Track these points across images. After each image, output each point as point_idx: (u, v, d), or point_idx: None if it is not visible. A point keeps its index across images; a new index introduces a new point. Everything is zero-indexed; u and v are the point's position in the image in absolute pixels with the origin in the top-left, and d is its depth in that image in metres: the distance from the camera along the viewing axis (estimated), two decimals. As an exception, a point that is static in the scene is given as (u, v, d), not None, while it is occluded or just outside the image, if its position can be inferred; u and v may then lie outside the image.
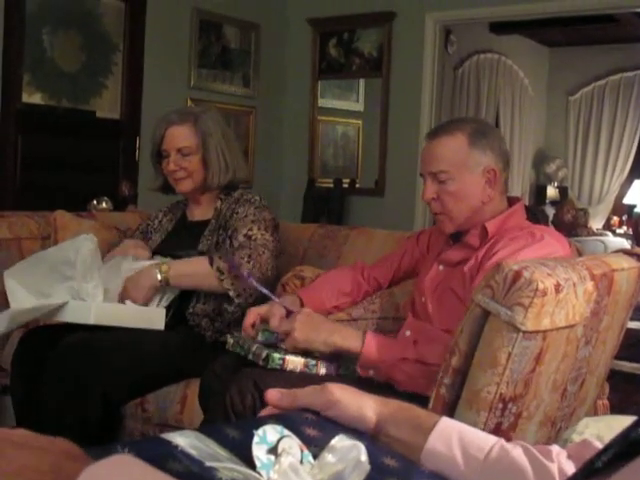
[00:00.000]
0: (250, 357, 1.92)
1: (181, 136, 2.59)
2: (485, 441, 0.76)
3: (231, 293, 2.40)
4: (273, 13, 5.85)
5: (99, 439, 2.22)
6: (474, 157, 1.96)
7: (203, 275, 2.42)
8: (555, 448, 0.76)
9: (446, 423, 0.78)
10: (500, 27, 7.34)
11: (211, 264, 2.41)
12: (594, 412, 2.05)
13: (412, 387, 1.78)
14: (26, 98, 4.51)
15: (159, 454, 0.58)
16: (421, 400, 1.60)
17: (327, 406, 0.76)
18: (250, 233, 2.48)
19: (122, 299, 2.44)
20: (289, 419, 0.68)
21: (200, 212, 2.68)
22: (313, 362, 1.90)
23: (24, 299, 2.34)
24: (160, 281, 2.42)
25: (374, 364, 1.84)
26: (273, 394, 0.77)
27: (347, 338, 1.87)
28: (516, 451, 0.74)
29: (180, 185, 2.61)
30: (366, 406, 0.78)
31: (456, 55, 7.16)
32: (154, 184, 2.75)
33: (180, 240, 2.64)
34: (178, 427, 2.32)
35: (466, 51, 7.44)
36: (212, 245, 2.54)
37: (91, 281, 2.33)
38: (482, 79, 7.75)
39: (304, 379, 1.81)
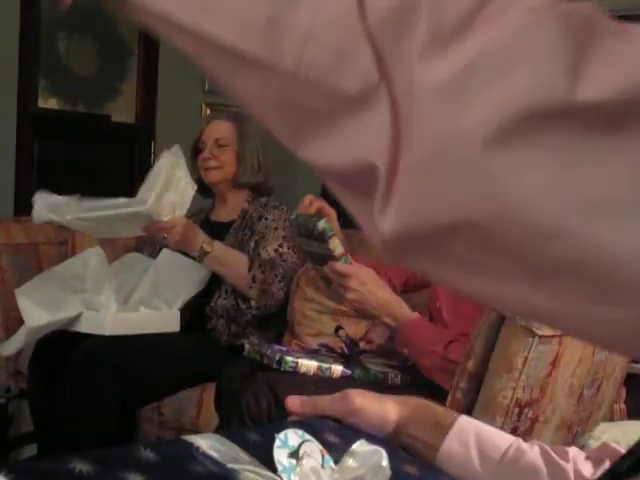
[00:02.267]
0: (265, 361, 1.93)
1: (220, 128, 2.66)
2: (502, 441, 0.76)
3: (253, 303, 2.43)
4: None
5: (115, 443, 2.24)
6: None
7: (237, 273, 2.45)
8: (573, 450, 0.76)
9: (464, 423, 0.78)
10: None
11: (250, 269, 2.43)
12: (611, 416, 2.04)
13: (433, 377, 1.81)
14: (42, 103, 4.54)
15: (180, 455, 0.59)
16: (441, 395, 1.61)
17: (349, 414, 0.76)
18: (282, 250, 2.50)
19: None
20: (310, 424, 0.68)
21: (225, 213, 2.70)
22: (326, 365, 1.90)
23: (38, 316, 2.36)
24: (198, 257, 2.45)
25: (409, 343, 1.89)
26: (293, 401, 0.78)
27: (401, 308, 1.89)
28: (533, 452, 0.74)
29: (210, 174, 2.65)
30: (387, 409, 0.78)
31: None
32: None
33: None
34: (194, 431, 2.33)
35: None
36: (235, 243, 2.57)
37: (103, 292, 2.35)
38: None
39: (319, 382, 1.82)
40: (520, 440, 0.77)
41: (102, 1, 0.47)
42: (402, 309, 1.89)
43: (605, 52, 0.35)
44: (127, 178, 4.90)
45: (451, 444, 0.76)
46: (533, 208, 0.34)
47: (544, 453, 0.74)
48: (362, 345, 2.13)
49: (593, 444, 1.28)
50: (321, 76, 0.38)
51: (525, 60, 0.35)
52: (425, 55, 0.36)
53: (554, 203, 0.34)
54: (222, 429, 1.95)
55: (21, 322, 2.43)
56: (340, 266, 1.88)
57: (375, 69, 0.37)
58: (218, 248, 2.47)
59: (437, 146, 0.36)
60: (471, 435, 0.76)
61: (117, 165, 4.91)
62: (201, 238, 2.45)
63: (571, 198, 0.34)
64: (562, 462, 0.73)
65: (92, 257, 2.38)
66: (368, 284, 1.88)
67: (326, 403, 0.77)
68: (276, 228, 2.54)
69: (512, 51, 0.35)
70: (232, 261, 2.48)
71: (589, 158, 0.33)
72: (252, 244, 2.54)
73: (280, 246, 2.50)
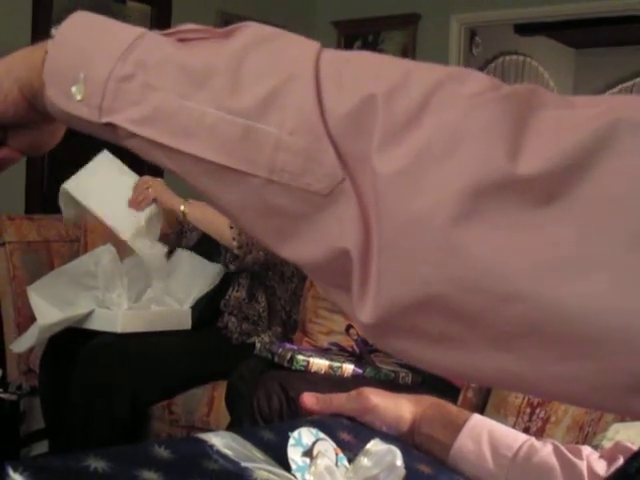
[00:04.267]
0: (276, 359, 1.93)
1: None
2: (515, 439, 0.76)
3: (234, 242, 2.41)
4: (298, 16, 5.86)
5: (126, 440, 2.24)
6: None
7: (219, 216, 2.42)
8: (586, 448, 0.76)
9: (477, 421, 0.78)
10: (525, 28, 7.29)
11: None
12: (622, 417, 2.04)
13: (447, 376, 1.82)
14: (53, 101, 4.56)
15: (195, 453, 0.59)
16: (452, 394, 1.61)
17: (364, 412, 0.76)
18: None
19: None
20: (324, 423, 0.68)
21: None
22: (337, 364, 1.90)
23: (50, 313, 2.36)
24: (182, 211, 2.45)
25: None
26: (309, 398, 0.78)
27: None
28: (546, 449, 0.74)
29: None
30: (402, 407, 0.78)
31: (481, 57, 7.12)
32: None
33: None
34: (205, 429, 2.33)
35: (491, 53, 7.40)
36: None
37: (114, 290, 2.36)
38: (507, 81, 7.62)
39: (330, 380, 1.82)
40: (533, 438, 0.76)
41: (98, 134, 0.52)
42: None
43: (542, 126, 0.38)
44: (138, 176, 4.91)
45: (464, 442, 0.76)
46: (492, 275, 0.37)
47: (557, 451, 0.74)
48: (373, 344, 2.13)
49: (607, 444, 1.27)
50: (292, 179, 0.43)
51: (470, 141, 0.39)
52: (382, 148, 0.40)
53: (510, 269, 0.37)
54: (233, 427, 1.96)
55: (33, 319, 2.44)
56: None
57: (339, 167, 0.41)
58: (195, 205, 2.48)
59: (402, 228, 0.40)
60: (484, 433, 0.76)
61: (127, 163, 4.91)
62: (179, 202, 2.47)
63: (524, 263, 0.36)
64: (576, 460, 0.73)
65: (104, 255, 2.38)
66: None
67: (341, 401, 0.77)
68: None
69: (458, 134, 0.39)
70: (213, 211, 2.48)
71: (535, 225, 0.37)
72: None
73: None
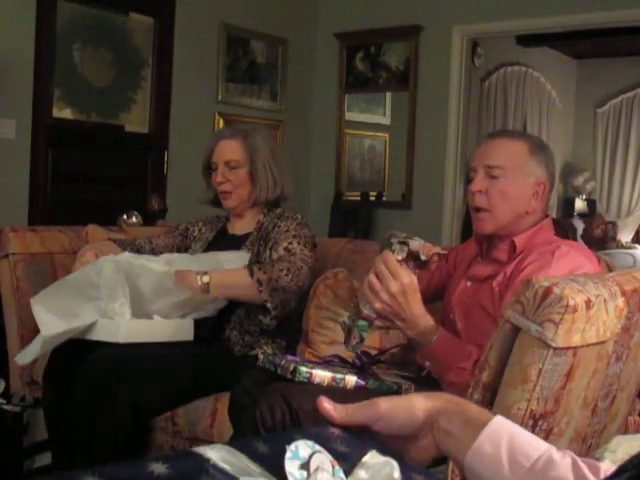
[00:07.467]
0: (279, 371, 1.93)
1: (229, 149, 2.65)
2: (535, 449, 0.75)
3: (268, 305, 2.41)
4: (300, 27, 5.88)
5: (129, 452, 2.24)
6: (531, 165, 1.96)
7: (243, 286, 2.42)
8: (606, 465, 0.75)
9: (499, 423, 0.77)
10: (527, 39, 7.31)
11: (251, 275, 2.41)
12: (625, 429, 2.03)
13: (457, 394, 1.79)
14: (56, 113, 4.57)
15: (192, 468, 0.59)
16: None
17: (376, 420, 0.76)
18: (290, 247, 2.51)
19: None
20: (319, 435, 0.68)
21: (241, 226, 2.72)
22: (340, 376, 1.90)
23: (53, 324, 2.36)
24: (200, 288, 2.41)
25: (435, 358, 1.84)
26: (327, 403, 0.76)
27: (428, 323, 1.84)
28: (564, 464, 0.73)
29: (227, 201, 2.68)
30: (414, 404, 0.78)
31: (483, 68, 7.13)
32: (206, 197, 2.81)
33: (221, 250, 2.66)
34: (208, 441, 2.33)
35: (493, 63, 7.42)
36: (253, 255, 2.58)
37: (117, 300, 2.35)
38: (509, 91, 7.71)
39: (333, 392, 1.81)
40: (553, 449, 0.75)
41: None
42: (428, 324, 1.84)
43: None
44: (140, 187, 4.93)
45: (482, 444, 0.75)
46: None
47: (576, 467, 0.73)
48: (375, 355, 2.13)
49: (609, 457, 1.27)
50: None
51: None
52: None
53: None
54: (236, 439, 1.95)
55: (36, 331, 2.44)
56: (392, 263, 1.82)
57: None
58: (215, 273, 2.44)
59: None
60: (504, 437, 0.75)
61: (130, 174, 4.93)
62: (194, 273, 2.42)
63: None
64: (593, 478, 0.72)
65: (106, 265, 2.38)
66: (408, 296, 1.81)
67: (354, 410, 0.76)
68: (287, 230, 2.57)
69: None
70: (234, 277, 2.46)
71: None
72: (267, 252, 2.56)
73: (290, 244, 2.52)
